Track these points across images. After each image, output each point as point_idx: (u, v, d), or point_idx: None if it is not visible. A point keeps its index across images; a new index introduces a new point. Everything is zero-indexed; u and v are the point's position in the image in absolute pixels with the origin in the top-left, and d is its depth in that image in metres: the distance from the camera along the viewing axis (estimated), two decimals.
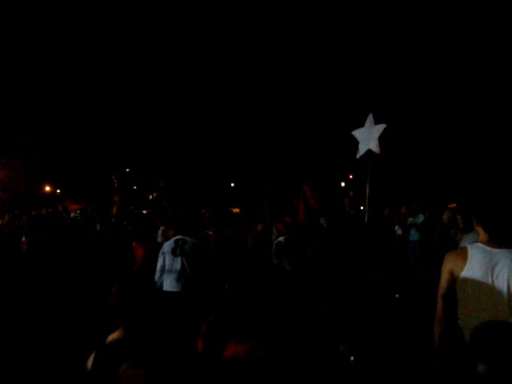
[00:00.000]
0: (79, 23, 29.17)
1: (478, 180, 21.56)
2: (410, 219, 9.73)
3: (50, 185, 29.74)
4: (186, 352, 1.58)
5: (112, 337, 1.84)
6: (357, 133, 6.53)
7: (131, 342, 1.70)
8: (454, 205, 16.25)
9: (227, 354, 1.45)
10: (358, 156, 6.44)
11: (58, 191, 30.71)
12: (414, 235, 9.50)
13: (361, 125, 6.52)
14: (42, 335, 2.34)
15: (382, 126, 6.30)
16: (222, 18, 32.70)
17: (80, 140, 27.56)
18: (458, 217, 8.91)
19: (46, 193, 28.88)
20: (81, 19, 29.34)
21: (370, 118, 6.42)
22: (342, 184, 24.01)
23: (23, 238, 6.47)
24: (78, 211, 10.81)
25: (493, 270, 2.02)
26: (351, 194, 9.69)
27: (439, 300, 2.16)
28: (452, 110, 25.40)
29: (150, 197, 26.16)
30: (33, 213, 10.89)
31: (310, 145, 24.88)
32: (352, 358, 1.95)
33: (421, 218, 9.68)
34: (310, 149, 24.59)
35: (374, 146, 6.23)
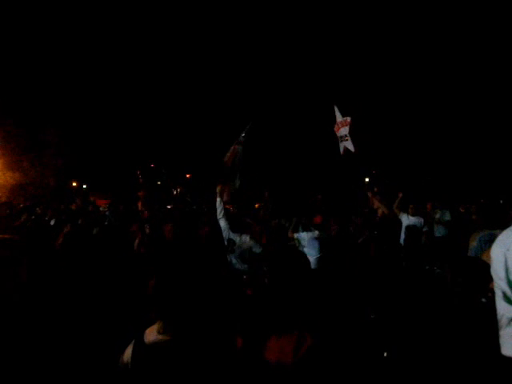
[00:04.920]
0: (104, 25, 29.65)
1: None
2: (437, 216, 9.60)
3: (76, 180, 30.43)
4: (226, 348, 1.63)
5: (150, 330, 1.90)
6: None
7: (170, 336, 1.75)
8: (482, 201, 15.90)
9: (269, 349, 1.49)
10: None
11: (84, 186, 31.42)
12: (440, 231, 9.38)
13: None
14: (80, 328, 2.41)
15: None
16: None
17: (106, 136, 28.11)
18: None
19: (73, 188, 29.57)
20: (104, 21, 29.81)
21: (337, 110, 6.30)
22: (366, 179, 23.73)
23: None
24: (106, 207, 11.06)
25: None
26: (376, 189, 9.53)
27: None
28: (480, 106, 24.80)
29: (174, 192, 26.45)
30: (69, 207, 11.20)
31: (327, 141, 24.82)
32: (385, 354, 1.97)
33: (447, 215, 9.53)
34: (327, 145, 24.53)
35: (350, 145, 6.19)
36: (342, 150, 6.36)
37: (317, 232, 5.88)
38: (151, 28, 31.80)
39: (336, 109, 6.37)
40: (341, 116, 6.32)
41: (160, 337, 1.83)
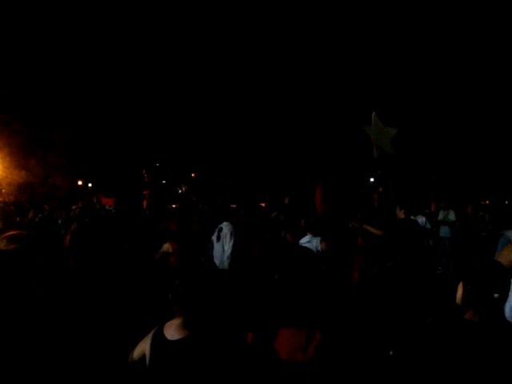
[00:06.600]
0: (109, 25, 29.79)
1: None
2: (441, 216, 9.63)
3: (81, 179, 30.57)
4: (238, 342, 1.69)
5: (169, 325, 1.95)
6: (368, 130, 6.10)
7: (192, 331, 1.80)
8: (487, 202, 15.88)
9: (279, 345, 1.55)
10: (375, 155, 6.13)
11: (90, 185, 31.57)
12: (444, 232, 9.40)
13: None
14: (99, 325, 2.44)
15: (393, 130, 6.14)
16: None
17: (111, 135, 28.25)
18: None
19: (79, 187, 29.71)
20: (109, 21, 29.95)
21: (375, 117, 6.08)
22: (371, 179, 23.67)
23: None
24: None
25: None
26: (380, 189, 9.55)
27: None
28: (483, 106, 24.74)
29: (180, 191, 26.59)
30: (77, 206, 11.26)
31: (331, 141, 24.87)
32: (391, 353, 2.02)
33: (451, 215, 9.55)
34: (331, 145, 24.60)
35: (390, 149, 6.08)
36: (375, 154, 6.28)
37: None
38: (157, 28, 31.87)
39: (374, 115, 6.18)
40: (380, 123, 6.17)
41: (184, 331, 1.87)
